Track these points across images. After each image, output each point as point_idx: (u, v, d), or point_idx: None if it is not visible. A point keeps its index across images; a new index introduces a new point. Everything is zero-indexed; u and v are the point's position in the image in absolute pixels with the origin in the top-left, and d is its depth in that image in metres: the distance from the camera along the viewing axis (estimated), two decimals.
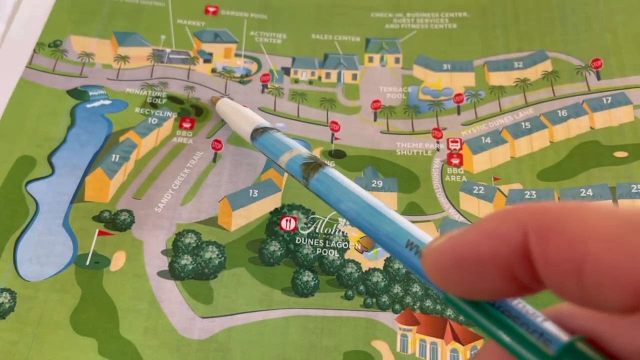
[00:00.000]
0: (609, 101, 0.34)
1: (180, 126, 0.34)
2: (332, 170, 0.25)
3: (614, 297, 0.12)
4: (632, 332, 0.13)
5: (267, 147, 0.28)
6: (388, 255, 0.30)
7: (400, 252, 0.19)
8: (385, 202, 0.32)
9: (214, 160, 0.33)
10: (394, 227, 0.20)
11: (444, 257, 0.14)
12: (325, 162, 0.26)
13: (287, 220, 0.31)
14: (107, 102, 0.35)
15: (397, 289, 0.29)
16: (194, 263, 0.30)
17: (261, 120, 0.30)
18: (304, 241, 0.31)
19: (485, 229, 0.14)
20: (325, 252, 0.30)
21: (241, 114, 0.31)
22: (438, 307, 0.29)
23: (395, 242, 0.20)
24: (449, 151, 0.34)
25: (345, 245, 0.31)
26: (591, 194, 0.31)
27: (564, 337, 0.14)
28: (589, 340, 0.14)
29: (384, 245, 0.20)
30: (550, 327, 0.14)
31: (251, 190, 0.32)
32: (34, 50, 0.37)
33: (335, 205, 0.24)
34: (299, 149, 0.27)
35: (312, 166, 0.25)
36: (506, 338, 0.14)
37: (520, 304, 0.15)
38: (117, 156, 0.33)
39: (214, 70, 0.37)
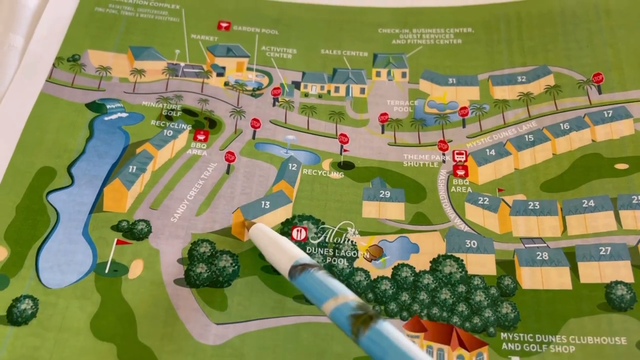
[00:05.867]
0: (610, 114, 0.35)
1: (195, 138, 0.36)
2: (386, 326, 0.22)
3: None
4: None
5: (309, 289, 0.25)
6: (396, 263, 0.31)
7: None
8: (392, 212, 0.34)
9: (228, 171, 0.34)
10: None
11: None
12: (376, 312, 0.23)
13: (297, 230, 0.32)
14: (124, 114, 0.36)
15: (404, 296, 0.30)
16: (208, 271, 0.31)
17: (299, 255, 0.27)
18: (314, 250, 0.32)
19: None
20: (334, 260, 0.31)
21: (277, 245, 0.28)
22: (445, 314, 0.30)
23: None
24: (454, 163, 0.35)
25: (354, 254, 0.32)
26: (593, 204, 0.32)
27: None
28: None
29: None
30: None
31: (263, 202, 0.33)
32: (54, 65, 0.38)
33: None
34: (345, 294, 0.24)
35: (362, 319, 0.22)
36: None
37: None
38: (134, 167, 0.34)
39: (226, 84, 0.38)
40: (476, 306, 0.30)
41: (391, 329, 0.22)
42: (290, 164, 0.35)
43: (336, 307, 0.23)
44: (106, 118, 0.36)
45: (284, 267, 0.27)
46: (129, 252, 0.31)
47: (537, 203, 0.33)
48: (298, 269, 0.26)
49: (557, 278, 0.30)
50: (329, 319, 0.24)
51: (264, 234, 0.29)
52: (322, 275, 0.25)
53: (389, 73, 0.39)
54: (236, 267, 0.31)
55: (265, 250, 0.29)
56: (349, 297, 0.23)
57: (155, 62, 0.39)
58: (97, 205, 0.33)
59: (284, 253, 0.27)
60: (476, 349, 0.29)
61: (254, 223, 0.30)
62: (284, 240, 0.28)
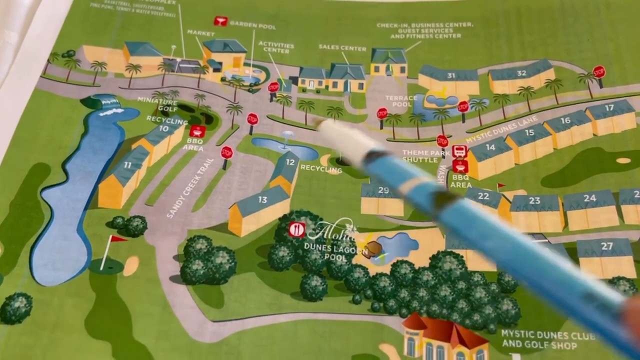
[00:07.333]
0: (611, 108, 0.35)
1: (191, 134, 0.35)
2: (470, 203, 0.22)
3: None
4: None
5: (386, 171, 0.25)
6: (395, 260, 0.31)
7: (573, 304, 0.17)
8: (391, 208, 0.33)
9: (224, 167, 0.34)
10: (563, 274, 0.17)
11: None
12: (459, 194, 0.22)
13: (295, 226, 0.32)
14: (120, 110, 0.36)
15: (403, 293, 0.30)
16: (205, 268, 0.30)
17: (376, 144, 0.27)
18: (312, 247, 0.31)
19: None
20: (333, 257, 0.31)
21: (350, 137, 0.28)
22: (444, 311, 0.29)
23: (568, 292, 0.17)
24: (454, 158, 0.35)
25: (352, 250, 0.31)
26: (595, 199, 0.32)
27: None
28: None
29: (550, 295, 0.17)
30: None
31: (260, 197, 0.33)
32: (48, 61, 0.38)
33: (477, 242, 0.20)
34: (426, 177, 0.23)
35: (446, 195, 0.22)
36: None
37: None
38: (130, 163, 0.33)
39: (223, 79, 0.38)
40: (476, 303, 0.30)
41: (476, 205, 0.21)
42: (287, 160, 0.34)
43: (418, 185, 0.22)
44: (101, 114, 0.36)
45: (358, 155, 0.26)
46: (124, 248, 0.31)
47: (538, 198, 0.32)
48: (375, 154, 0.25)
49: None
50: (405, 198, 0.23)
51: (334, 128, 0.28)
52: (401, 161, 0.24)
53: (387, 68, 0.39)
54: (233, 263, 0.30)
55: (338, 142, 0.28)
56: (429, 178, 0.23)
57: (151, 57, 0.38)
58: (92, 201, 0.32)
59: (358, 143, 0.26)
60: (476, 346, 0.28)
61: (322, 120, 0.29)
62: (357, 132, 0.27)
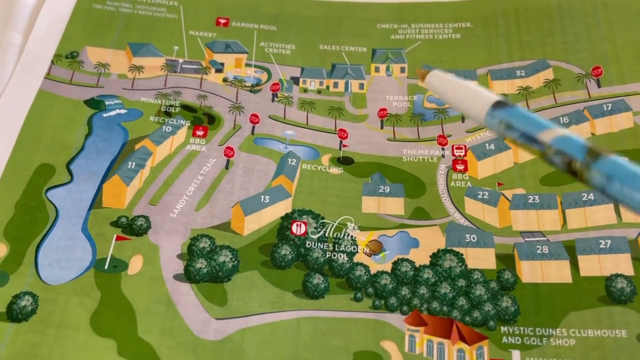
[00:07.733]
0: (609, 108, 0.35)
1: (194, 134, 0.36)
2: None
3: None
4: None
5: (525, 117, 0.22)
6: (395, 258, 0.31)
7: None
8: (392, 207, 0.34)
9: (227, 167, 0.34)
10: None
11: None
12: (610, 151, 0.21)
13: (297, 225, 0.32)
14: (123, 111, 0.36)
15: (404, 291, 0.30)
16: (208, 266, 0.31)
17: (496, 95, 0.24)
18: (314, 245, 0.32)
19: None
20: (334, 255, 0.31)
21: (469, 88, 0.25)
22: (445, 308, 0.30)
23: None
24: (453, 157, 0.35)
25: (354, 249, 0.32)
26: (593, 198, 0.32)
27: None
28: None
29: None
30: None
31: (262, 196, 0.33)
32: (52, 62, 0.38)
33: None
34: (566, 130, 0.22)
35: (597, 150, 0.20)
36: None
37: None
38: (133, 163, 0.34)
39: (225, 80, 0.38)
40: (476, 300, 0.30)
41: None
42: (289, 159, 0.35)
43: (561, 136, 0.21)
44: (105, 114, 0.36)
45: (482, 105, 0.24)
46: (128, 248, 0.31)
47: (537, 197, 0.33)
48: (503, 104, 0.23)
49: (557, 271, 0.30)
50: (545, 144, 0.21)
51: (449, 79, 0.26)
52: (532, 113, 0.23)
53: (387, 68, 0.39)
54: (236, 262, 0.31)
55: (452, 94, 0.25)
56: (574, 133, 0.21)
57: (154, 58, 0.39)
58: (96, 201, 0.33)
59: (482, 92, 0.24)
60: (476, 343, 0.29)
61: (427, 71, 0.27)
62: (471, 83, 0.25)
